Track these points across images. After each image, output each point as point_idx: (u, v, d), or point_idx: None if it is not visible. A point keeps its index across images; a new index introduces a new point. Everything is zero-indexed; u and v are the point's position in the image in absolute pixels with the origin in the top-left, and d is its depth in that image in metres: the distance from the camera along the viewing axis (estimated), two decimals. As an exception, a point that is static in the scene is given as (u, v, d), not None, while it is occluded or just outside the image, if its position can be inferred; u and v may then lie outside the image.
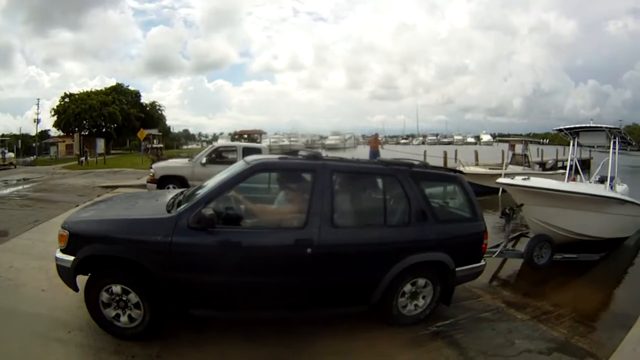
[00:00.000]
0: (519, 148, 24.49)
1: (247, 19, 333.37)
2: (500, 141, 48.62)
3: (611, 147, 12.66)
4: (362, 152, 27.30)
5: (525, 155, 24.00)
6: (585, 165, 41.95)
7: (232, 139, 66.68)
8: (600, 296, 8.52)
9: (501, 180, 10.74)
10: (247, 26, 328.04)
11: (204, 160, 15.61)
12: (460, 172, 7.67)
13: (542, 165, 31.71)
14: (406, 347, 5.65)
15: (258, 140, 66.22)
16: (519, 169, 21.87)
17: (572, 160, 14.49)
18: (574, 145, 14.30)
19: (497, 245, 9.44)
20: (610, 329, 6.64)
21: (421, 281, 5.97)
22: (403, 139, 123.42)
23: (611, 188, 12.11)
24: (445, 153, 26.19)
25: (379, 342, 5.70)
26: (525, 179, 10.32)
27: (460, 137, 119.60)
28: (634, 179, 21.79)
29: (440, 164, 24.03)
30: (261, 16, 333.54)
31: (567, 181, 13.74)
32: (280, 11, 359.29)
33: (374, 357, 5.46)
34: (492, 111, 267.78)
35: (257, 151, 15.37)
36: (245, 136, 76.19)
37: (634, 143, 14.59)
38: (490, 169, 22.48)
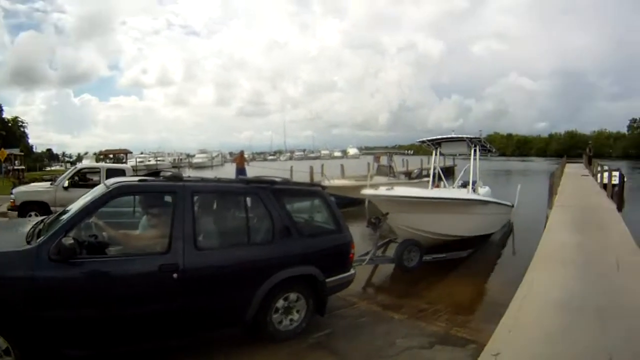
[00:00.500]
0: (384, 160, 25.26)
1: (120, 29, 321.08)
2: (366, 154, 49.94)
3: (472, 155, 13.48)
4: (230, 170, 26.79)
5: (390, 166, 24.62)
6: (449, 172, 44.37)
7: (97, 160, 63.04)
8: (473, 288, 8.99)
9: (365, 191, 10.90)
10: (119, 37, 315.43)
11: (66, 183, 14.11)
12: (322, 186, 7.92)
13: (408, 174, 31.91)
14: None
15: (124, 160, 63.22)
16: (384, 179, 22.07)
17: (435, 168, 15.28)
18: (436, 154, 15.11)
19: (367, 253, 9.68)
20: (486, 317, 6.82)
21: (293, 295, 5.90)
22: (270, 155, 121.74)
23: (473, 191, 12.90)
24: (311, 168, 26.33)
25: (260, 360, 5.58)
26: (389, 189, 10.79)
27: (327, 152, 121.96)
28: (497, 181, 23.41)
29: (307, 179, 24.20)
30: (134, 27, 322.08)
31: (432, 188, 14.68)
32: (154, 22, 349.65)
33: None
34: (359, 126, 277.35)
35: (121, 172, 14.32)
36: (111, 156, 72.61)
37: (494, 150, 15.70)
38: (355, 180, 22.77)
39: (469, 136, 13.71)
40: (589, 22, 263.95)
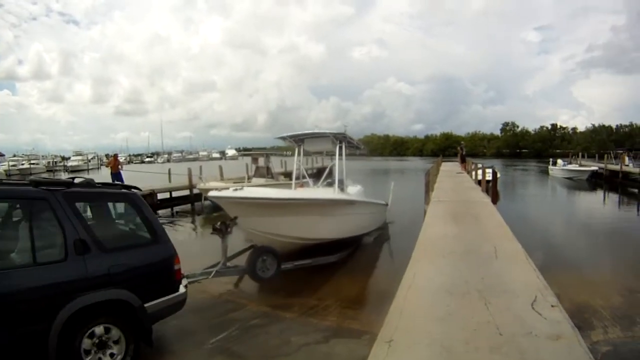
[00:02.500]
0: (261, 161, 25.08)
1: None
2: (244, 155, 49.72)
3: (337, 152, 12.66)
4: (106, 174, 25.63)
5: (268, 167, 24.53)
6: (329, 172, 44.95)
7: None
8: (358, 284, 9.41)
9: (211, 193, 9.87)
10: None
11: None
12: (136, 187, 6.38)
13: (288, 175, 31.42)
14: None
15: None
16: (262, 181, 22.65)
17: (298, 168, 15.04)
18: (299, 153, 14.33)
19: (216, 264, 8.66)
20: (375, 309, 7.14)
21: (99, 330, 4.87)
22: (148, 156, 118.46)
23: (341, 190, 12.20)
24: (189, 170, 25.80)
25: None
26: (237, 189, 9.83)
27: (205, 153, 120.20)
28: (376, 180, 23.79)
29: (186, 181, 23.80)
30: (11, 10, 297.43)
31: (295, 188, 13.81)
32: (33, 7, 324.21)
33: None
34: (238, 126, 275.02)
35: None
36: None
37: (361, 147, 15.25)
38: (233, 183, 22.34)
39: (333, 132, 12.75)
40: (465, 34, 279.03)
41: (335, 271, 10.07)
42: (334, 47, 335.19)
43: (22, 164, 64.82)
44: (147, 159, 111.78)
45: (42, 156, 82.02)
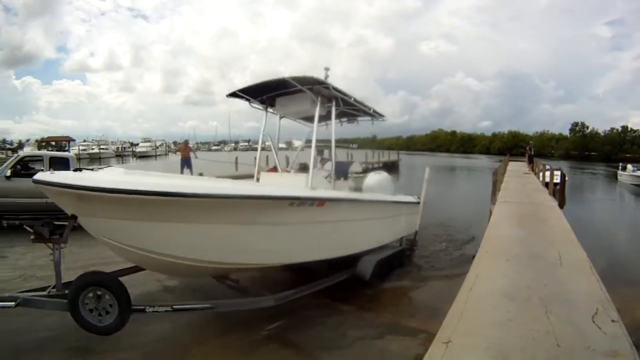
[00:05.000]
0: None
1: (66, 9, 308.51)
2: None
3: (316, 115, 8.13)
4: (174, 160, 26.21)
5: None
6: (393, 167, 44.65)
7: (39, 147, 60.97)
8: (418, 282, 9.22)
9: (38, 176, 4.98)
10: (65, 17, 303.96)
11: (8, 172, 12.94)
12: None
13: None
14: (242, 354, 5.61)
15: (66, 148, 61.64)
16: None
17: (262, 140, 10.54)
18: (266, 119, 9.89)
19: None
20: (433, 307, 7.03)
21: None
22: (215, 145, 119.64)
23: (329, 179, 8.64)
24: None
25: (212, 353, 5.65)
26: (77, 169, 5.62)
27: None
28: (435, 177, 22.71)
29: (253, 170, 24.02)
30: (80, 7, 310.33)
31: (257, 174, 9.91)
32: (102, 4, 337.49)
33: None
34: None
35: (65, 161, 13.89)
36: (53, 143, 70.55)
37: (371, 109, 9.77)
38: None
39: (307, 78, 7.76)
40: (535, 29, 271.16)
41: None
42: (401, 41, 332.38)
43: (92, 149, 67.81)
44: (214, 147, 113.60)
45: (112, 142, 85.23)
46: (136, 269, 6.78)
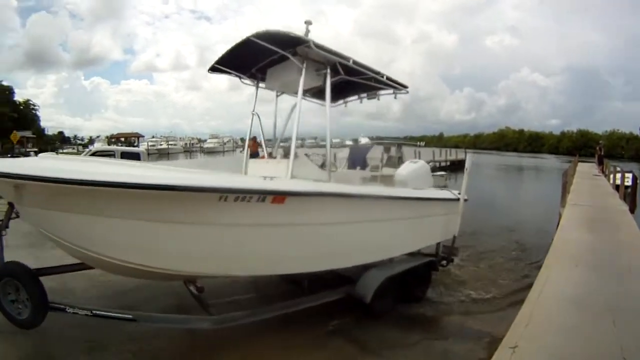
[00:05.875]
0: (393, 150, 24.61)
1: (131, 13, 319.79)
2: (377, 144, 49.10)
3: (300, 84, 6.48)
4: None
5: (400, 157, 23.77)
6: (460, 166, 43.58)
7: (109, 143, 63.13)
8: (485, 284, 8.90)
9: None
10: (131, 21, 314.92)
11: None
12: None
13: None
14: (306, 349, 5.68)
15: (135, 144, 63.71)
16: (392, 171, 21.78)
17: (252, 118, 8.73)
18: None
19: None
20: (501, 310, 7.10)
21: None
22: (282, 142, 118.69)
23: (323, 168, 6.90)
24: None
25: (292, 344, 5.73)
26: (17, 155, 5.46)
27: (338, 140, 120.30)
28: (504, 178, 22.11)
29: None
30: (144, 10, 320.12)
31: (246, 161, 8.50)
32: (164, 7, 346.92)
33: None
34: (371, 115, 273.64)
35: (136, 155, 14.49)
36: (123, 139, 73.03)
37: (384, 76, 7.54)
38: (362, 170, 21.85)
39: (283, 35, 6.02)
40: (601, 20, 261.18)
41: (462, 267, 9.75)
42: (465, 36, 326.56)
43: (161, 144, 69.67)
44: (282, 144, 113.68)
45: (180, 138, 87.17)
46: (84, 266, 6.06)
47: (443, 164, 40.04)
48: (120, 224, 4.70)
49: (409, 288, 7.58)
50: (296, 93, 7.22)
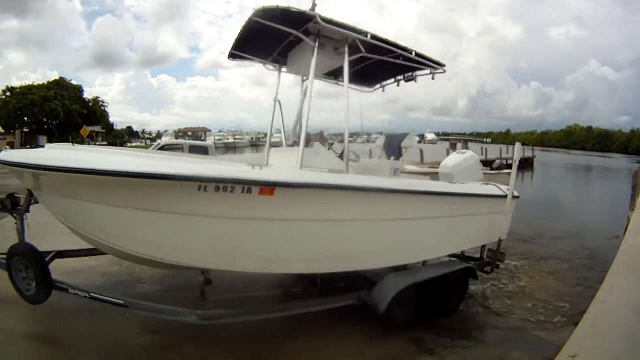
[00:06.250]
0: (459, 146, 24.23)
1: (194, 13, 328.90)
2: (442, 139, 48.52)
3: (312, 65, 5.99)
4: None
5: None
6: (528, 164, 42.58)
7: (176, 137, 64.71)
8: (547, 289, 8.51)
9: None
10: (194, 21, 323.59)
11: None
12: None
13: (489, 163, 29.27)
14: (364, 346, 5.71)
15: (202, 138, 65.16)
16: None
17: (276, 100, 8.22)
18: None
19: None
20: (563, 316, 6.90)
21: None
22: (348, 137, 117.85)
23: (330, 156, 6.46)
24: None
25: (349, 338, 5.79)
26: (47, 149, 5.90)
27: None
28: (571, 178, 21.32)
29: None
30: (207, 10, 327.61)
31: (268, 150, 8.20)
32: (227, 6, 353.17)
33: (344, 353, 5.52)
34: (437, 110, 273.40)
35: (204, 149, 14.82)
36: (190, 133, 74.91)
37: (412, 52, 6.74)
38: (429, 167, 21.71)
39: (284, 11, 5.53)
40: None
41: (522, 273, 9.33)
42: (530, 27, 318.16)
43: (227, 139, 70.93)
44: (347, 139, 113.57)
45: (246, 132, 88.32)
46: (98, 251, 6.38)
47: (510, 161, 38.98)
48: (105, 210, 4.84)
49: (438, 297, 6.68)
50: (321, 76, 7.80)
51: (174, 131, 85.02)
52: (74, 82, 76.96)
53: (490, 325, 6.72)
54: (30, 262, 5.63)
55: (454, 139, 26.10)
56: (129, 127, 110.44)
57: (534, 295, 8.01)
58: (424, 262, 6.99)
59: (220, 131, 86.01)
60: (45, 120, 67.87)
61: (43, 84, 72.12)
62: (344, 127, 6.23)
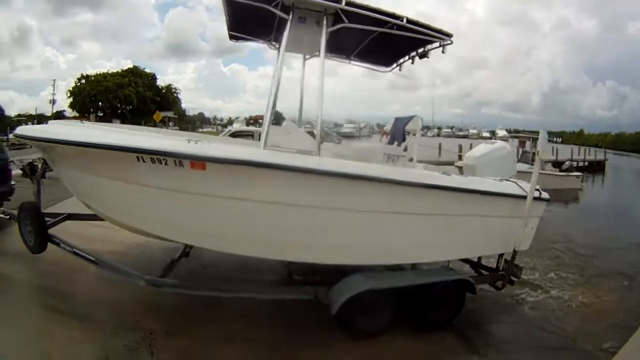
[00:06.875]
0: (528, 145, 23.42)
1: None
2: (513, 137, 47.38)
3: (284, 38, 5.61)
4: (376, 141, 26.27)
5: (534, 153, 22.25)
6: (599, 167, 41.15)
7: (247, 124, 65.74)
8: (602, 302, 7.89)
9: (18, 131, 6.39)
10: None
11: None
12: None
13: (559, 164, 26.96)
14: (410, 336, 5.73)
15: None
16: (525, 167, 19.28)
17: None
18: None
19: None
20: (612, 335, 6.40)
21: None
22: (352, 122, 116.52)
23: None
24: (460, 147, 25.31)
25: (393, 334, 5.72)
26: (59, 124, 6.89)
27: (475, 131, 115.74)
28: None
29: (455, 157, 23.44)
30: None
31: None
32: None
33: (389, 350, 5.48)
34: (509, 106, 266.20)
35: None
36: (260, 121, 75.86)
37: (404, 19, 5.82)
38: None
39: None
40: None
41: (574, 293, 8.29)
42: (606, 22, 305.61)
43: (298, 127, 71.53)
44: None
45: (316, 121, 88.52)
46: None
47: (581, 164, 37.72)
48: (83, 177, 5.63)
49: (419, 309, 5.92)
50: (330, 55, 7.47)
51: (245, 118, 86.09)
52: (147, 70, 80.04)
53: (544, 330, 6.46)
54: (31, 218, 6.61)
55: (523, 137, 25.14)
56: (201, 114, 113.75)
57: (585, 313, 7.39)
58: (413, 266, 6.51)
59: (292, 120, 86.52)
60: (119, 105, 71.18)
61: (117, 72, 76.14)
62: (318, 106, 5.64)
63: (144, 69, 79.79)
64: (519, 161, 20.64)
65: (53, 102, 72.78)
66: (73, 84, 71.51)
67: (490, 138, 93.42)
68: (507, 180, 6.42)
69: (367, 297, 5.34)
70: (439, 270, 6.38)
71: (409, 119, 7.71)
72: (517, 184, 6.32)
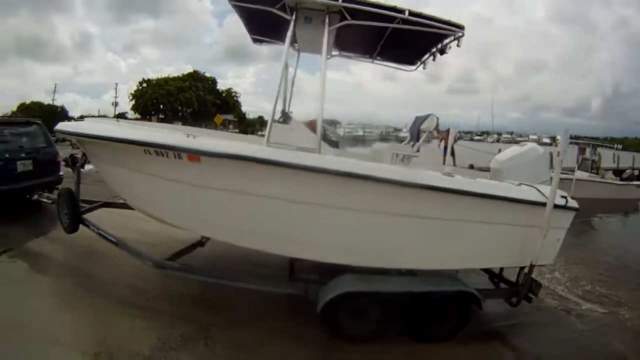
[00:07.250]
0: (588, 152, 22.62)
1: None
2: (573, 143, 45.19)
3: (287, 37, 5.48)
4: (435, 147, 25.60)
5: (594, 161, 21.72)
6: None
7: (306, 127, 66.26)
8: None
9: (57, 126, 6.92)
10: None
11: None
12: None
13: (619, 173, 25.62)
14: (456, 343, 5.69)
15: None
16: (585, 175, 19.95)
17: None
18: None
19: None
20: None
21: None
22: (477, 135, 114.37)
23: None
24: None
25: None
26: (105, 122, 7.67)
27: (535, 137, 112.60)
28: None
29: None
30: None
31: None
32: None
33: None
34: (568, 111, 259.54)
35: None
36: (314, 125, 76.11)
37: (405, 12, 5.53)
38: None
39: None
40: None
41: None
42: None
43: (357, 131, 71.36)
44: (477, 137, 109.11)
45: (376, 126, 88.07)
46: None
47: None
48: (111, 169, 6.32)
49: (416, 319, 5.67)
50: (348, 54, 8.13)
51: (304, 122, 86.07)
52: (207, 74, 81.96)
53: (597, 343, 6.20)
54: (67, 202, 7.58)
55: (583, 143, 24.08)
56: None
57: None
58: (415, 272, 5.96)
59: (349, 124, 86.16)
60: (180, 108, 72.77)
61: (178, 76, 78.27)
62: (320, 103, 5.47)
63: (204, 73, 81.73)
64: (578, 169, 19.98)
65: (115, 104, 75.80)
66: (135, 87, 74.19)
67: (551, 144, 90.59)
68: (526, 184, 5.70)
69: (355, 299, 5.32)
70: (440, 279, 5.81)
71: (424, 117, 7.45)
72: (537, 189, 5.58)
